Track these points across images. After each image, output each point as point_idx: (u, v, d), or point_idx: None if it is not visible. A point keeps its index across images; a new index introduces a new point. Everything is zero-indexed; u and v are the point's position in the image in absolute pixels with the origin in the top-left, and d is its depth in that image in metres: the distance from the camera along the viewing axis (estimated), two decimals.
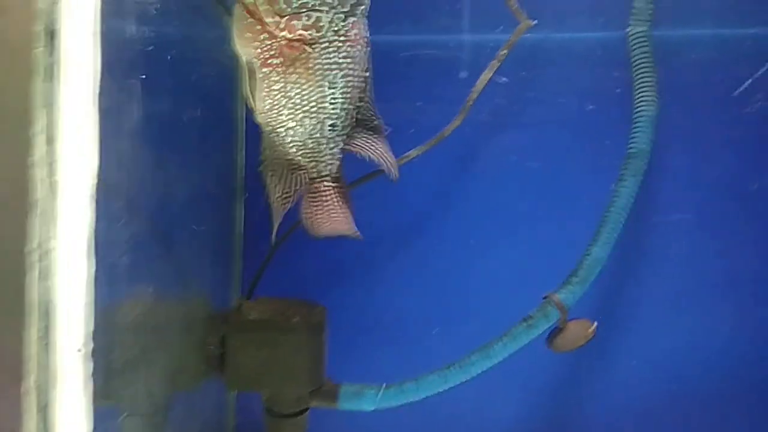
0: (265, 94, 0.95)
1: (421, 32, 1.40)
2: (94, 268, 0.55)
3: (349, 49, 0.97)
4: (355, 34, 0.96)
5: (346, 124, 1.02)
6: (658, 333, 1.40)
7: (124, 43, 0.68)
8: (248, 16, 0.89)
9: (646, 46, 1.31)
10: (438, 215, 1.43)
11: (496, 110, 1.39)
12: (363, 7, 0.96)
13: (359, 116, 1.03)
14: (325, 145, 1.03)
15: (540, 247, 1.39)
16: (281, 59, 0.92)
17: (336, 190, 1.08)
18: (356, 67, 0.98)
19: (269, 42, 0.91)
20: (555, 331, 1.24)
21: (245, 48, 0.92)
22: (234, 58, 1.18)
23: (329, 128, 1.01)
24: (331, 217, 1.11)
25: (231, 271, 1.39)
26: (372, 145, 1.05)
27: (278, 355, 1.18)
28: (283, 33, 0.90)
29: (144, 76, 0.73)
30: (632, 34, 1.32)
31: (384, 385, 1.25)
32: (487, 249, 1.41)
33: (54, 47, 0.53)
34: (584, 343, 1.22)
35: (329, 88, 0.97)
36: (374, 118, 1.05)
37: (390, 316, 1.43)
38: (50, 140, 0.53)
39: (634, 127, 1.27)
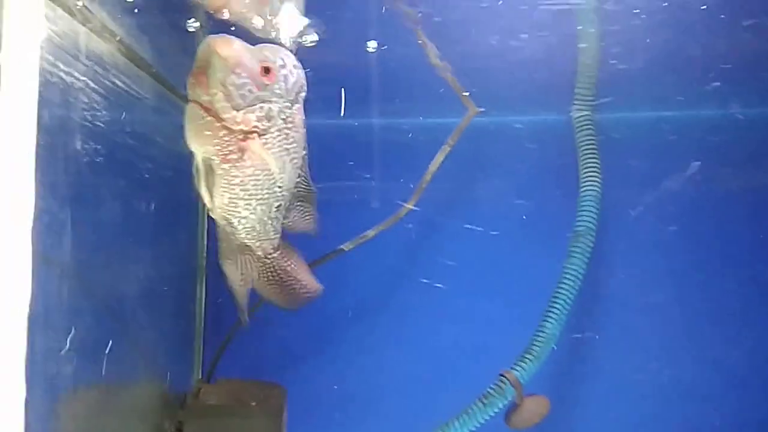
0: (224, 189, 0.98)
1: (378, 116, 1.47)
2: (24, 395, 0.57)
3: (294, 134, 1.02)
4: (299, 120, 1.01)
5: (288, 201, 1.08)
6: (612, 408, 1.42)
7: (67, 139, 0.71)
8: (204, 114, 0.90)
9: (590, 128, 1.39)
10: (396, 293, 1.46)
11: (449, 192, 1.45)
12: (304, 93, 1.00)
13: (296, 189, 1.08)
14: (270, 225, 1.07)
15: (496, 324, 1.42)
16: (239, 154, 0.96)
17: (282, 258, 1.13)
18: (299, 149, 1.03)
19: (227, 138, 0.92)
20: (512, 409, 1.25)
21: (204, 146, 0.93)
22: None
23: (275, 209, 1.06)
24: (290, 284, 1.16)
25: (192, 352, 1.39)
26: (302, 218, 1.13)
27: None
28: (240, 126, 0.93)
29: (94, 173, 0.76)
30: (576, 118, 1.40)
31: None
32: (445, 326, 1.44)
33: None
34: (540, 419, 1.24)
35: (279, 173, 1.02)
36: (308, 189, 1.11)
37: (350, 393, 1.44)
38: None
39: (580, 207, 1.33)
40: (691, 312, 1.43)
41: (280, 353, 1.44)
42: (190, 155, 0.98)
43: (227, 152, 0.93)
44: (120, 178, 0.88)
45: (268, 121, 0.95)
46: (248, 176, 0.97)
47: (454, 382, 1.39)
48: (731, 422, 1.41)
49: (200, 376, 1.39)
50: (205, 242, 1.44)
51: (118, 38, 0.86)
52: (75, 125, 0.72)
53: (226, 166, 0.95)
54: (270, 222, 1.07)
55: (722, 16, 1.19)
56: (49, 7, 0.66)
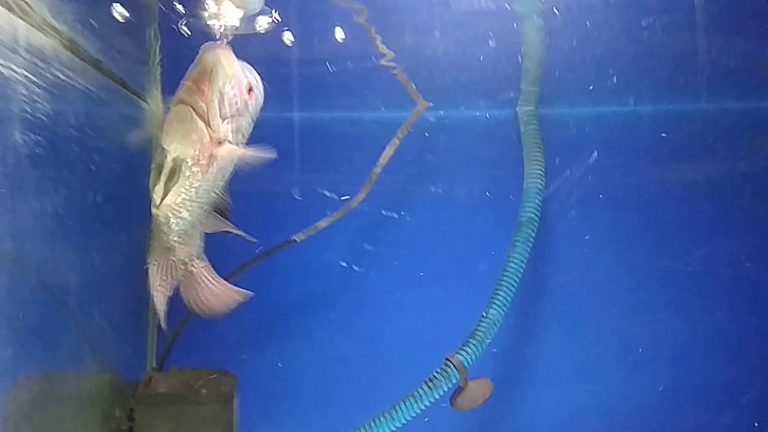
0: (184, 189, 1.00)
1: (331, 110, 1.49)
2: None
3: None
4: (247, 135, 1.05)
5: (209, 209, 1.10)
6: (554, 389, 1.49)
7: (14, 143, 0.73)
8: (196, 118, 0.93)
9: (534, 123, 1.44)
10: (344, 282, 1.50)
11: (398, 183, 1.48)
12: (259, 114, 1.05)
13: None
14: (198, 230, 1.09)
15: (442, 311, 1.47)
16: (209, 160, 0.98)
17: (205, 267, 1.14)
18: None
19: (207, 144, 0.96)
20: (456, 391, 1.30)
21: (186, 148, 0.96)
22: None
23: (203, 212, 1.08)
24: (214, 293, 1.17)
25: (144, 342, 1.40)
26: (219, 223, 1.13)
27: (187, 428, 1.20)
28: (220, 135, 0.96)
29: (35, 164, 0.78)
30: (521, 113, 1.45)
31: None
32: (391, 314, 1.49)
33: None
34: (483, 401, 1.29)
35: (221, 181, 1.05)
36: (225, 200, 1.11)
37: (301, 380, 1.47)
38: None
39: (524, 198, 1.39)
40: (626, 296, 1.50)
41: (232, 342, 1.46)
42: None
43: (201, 157, 0.97)
44: (64, 170, 0.89)
45: (236, 134, 1.00)
46: (205, 181, 1.01)
47: (401, 368, 1.43)
48: (669, 396, 1.49)
49: (153, 365, 1.40)
50: None
51: (60, 33, 0.87)
52: (14, 117, 0.74)
53: (195, 169, 0.98)
54: (199, 227, 1.09)
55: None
56: None
